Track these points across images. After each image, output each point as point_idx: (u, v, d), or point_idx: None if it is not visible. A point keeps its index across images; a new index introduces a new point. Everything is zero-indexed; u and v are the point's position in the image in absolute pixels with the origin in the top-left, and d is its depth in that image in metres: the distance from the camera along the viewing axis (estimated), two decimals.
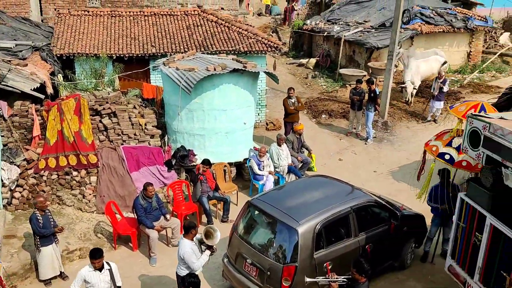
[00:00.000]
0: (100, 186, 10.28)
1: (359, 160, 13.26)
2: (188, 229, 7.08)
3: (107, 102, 10.98)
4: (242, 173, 11.91)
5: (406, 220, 8.52)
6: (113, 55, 13.71)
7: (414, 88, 16.58)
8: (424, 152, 9.04)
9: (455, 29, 20.02)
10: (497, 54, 22.02)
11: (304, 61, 22.29)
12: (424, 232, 9.04)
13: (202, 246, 7.12)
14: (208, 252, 7.07)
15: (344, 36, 20.00)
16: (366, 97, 14.10)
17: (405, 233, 8.51)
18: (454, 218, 7.32)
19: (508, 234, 6.24)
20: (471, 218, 6.92)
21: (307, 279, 6.19)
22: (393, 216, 8.27)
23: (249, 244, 7.55)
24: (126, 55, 13.79)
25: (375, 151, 13.79)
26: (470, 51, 21.06)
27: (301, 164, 11.70)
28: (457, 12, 21.23)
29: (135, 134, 11.10)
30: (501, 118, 6.59)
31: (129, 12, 15.80)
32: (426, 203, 8.88)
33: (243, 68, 10.93)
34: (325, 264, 7.25)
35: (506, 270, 6.28)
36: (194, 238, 7.10)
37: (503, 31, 25.23)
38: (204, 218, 10.10)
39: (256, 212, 7.89)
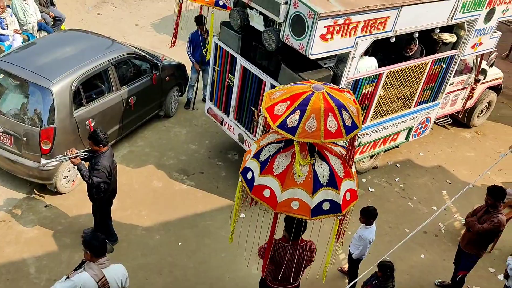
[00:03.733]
0: None
1: (119, 13, 12.57)
2: None
3: None
4: None
5: (167, 70, 8.62)
6: None
7: None
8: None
9: None
10: None
11: None
12: (185, 80, 9.32)
13: None
14: None
15: None
16: None
17: (168, 82, 8.67)
18: (211, 63, 7.62)
19: (254, 73, 6.76)
20: (224, 61, 7.26)
21: (43, 161, 5.88)
22: (154, 67, 8.28)
23: None
24: None
25: (136, 3, 13.19)
26: None
27: (54, 20, 10.54)
28: None
29: None
30: None
31: None
32: (186, 52, 9.07)
33: None
34: (87, 122, 7.05)
35: (255, 105, 6.95)
36: None
37: None
38: None
39: (1, 75, 6.99)
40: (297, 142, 3.93)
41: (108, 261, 4.40)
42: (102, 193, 5.94)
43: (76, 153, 5.75)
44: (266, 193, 4.12)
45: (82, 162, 5.78)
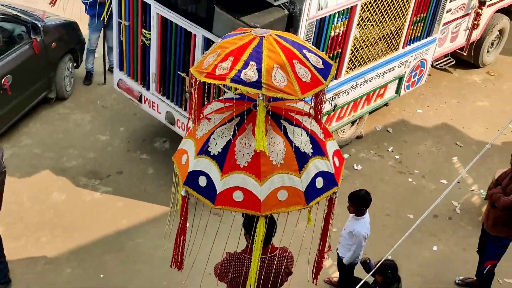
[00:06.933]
0: None
1: None
2: None
3: None
4: None
5: (53, 33, 7.47)
6: None
7: None
8: None
9: None
10: None
11: None
12: (81, 44, 8.19)
13: None
14: None
15: None
16: None
17: (55, 50, 7.55)
18: (114, 15, 6.56)
19: (178, 23, 5.82)
20: (134, 11, 6.31)
21: None
22: (33, 30, 7.12)
23: None
24: None
25: None
26: None
27: None
28: None
29: None
30: None
31: None
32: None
33: None
34: None
35: (184, 70, 6.06)
36: None
37: None
38: None
39: None
40: (264, 108, 3.35)
41: None
42: None
43: None
44: (238, 196, 3.47)
45: None
